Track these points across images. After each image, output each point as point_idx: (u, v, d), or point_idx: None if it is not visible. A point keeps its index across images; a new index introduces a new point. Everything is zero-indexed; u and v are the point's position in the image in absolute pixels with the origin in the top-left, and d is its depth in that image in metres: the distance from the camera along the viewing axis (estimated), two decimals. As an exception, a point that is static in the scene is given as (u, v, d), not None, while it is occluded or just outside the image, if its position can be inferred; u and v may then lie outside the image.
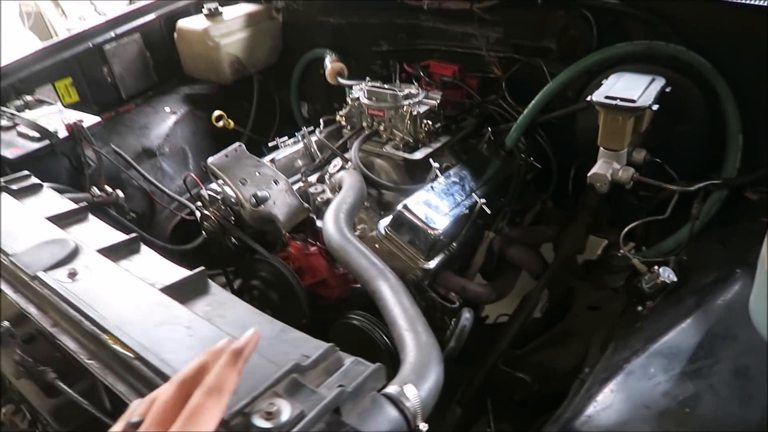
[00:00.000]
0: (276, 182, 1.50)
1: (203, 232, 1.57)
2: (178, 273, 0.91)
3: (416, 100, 1.60)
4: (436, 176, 1.49)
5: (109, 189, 1.62)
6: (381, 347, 1.27)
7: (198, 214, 1.56)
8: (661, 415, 0.98)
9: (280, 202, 1.48)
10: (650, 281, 1.32)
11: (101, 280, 0.88)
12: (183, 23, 2.18)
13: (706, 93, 1.39)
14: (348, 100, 1.72)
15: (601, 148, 1.32)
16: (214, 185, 1.54)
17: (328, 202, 1.54)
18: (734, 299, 1.10)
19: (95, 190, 1.59)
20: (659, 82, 1.31)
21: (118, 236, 1.05)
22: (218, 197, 1.50)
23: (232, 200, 1.46)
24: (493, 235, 1.51)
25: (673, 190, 1.33)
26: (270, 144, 1.75)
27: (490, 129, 1.67)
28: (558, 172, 1.71)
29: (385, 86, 1.66)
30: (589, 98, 1.30)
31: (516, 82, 1.77)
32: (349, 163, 1.57)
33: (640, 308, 1.36)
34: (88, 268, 0.90)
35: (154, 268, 0.95)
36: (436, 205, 1.42)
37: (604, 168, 1.29)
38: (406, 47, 2.08)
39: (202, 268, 0.91)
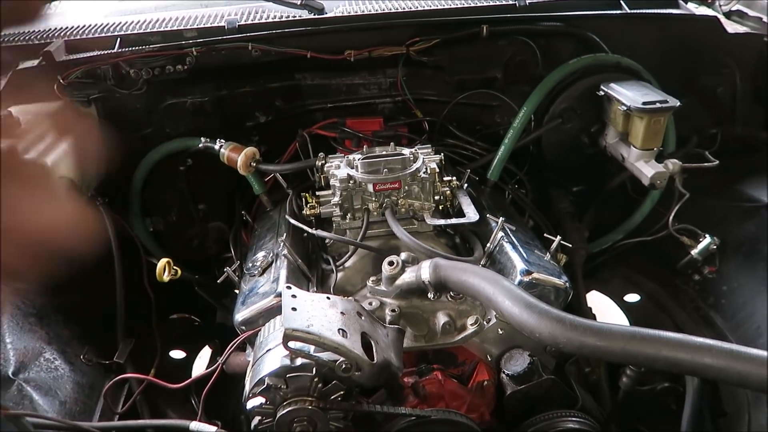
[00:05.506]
0: (360, 315, 1.05)
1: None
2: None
3: (422, 158, 1.36)
4: (506, 230, 1.30)
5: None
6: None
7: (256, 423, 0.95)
8: None
9: (379, 339, 1.05)
10: (701, 250, 1.47)
11: None
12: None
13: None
14: (336, 185, 1.32)
15: (637, 151, 1.40)
16: (269, 362, 0.97)
17: (402, 314, 1.18)
18: None
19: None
20: (647, 85, 1.47)
21: None
22: (305, 374, 0.95)
23: (343, 366, 0.95)
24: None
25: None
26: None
27: (468, 170, 1.56)
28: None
29: (383, 152, 1.35)
30: (625, 108, 1.36)
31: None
32: (403, 254, 1.22)
33: (697, 277, 1.51)
34: None
35: None
36: (533, 260, 1.24)
37: (654, 166, 1.37)
38: (285, 114, 1.75)
39: None
